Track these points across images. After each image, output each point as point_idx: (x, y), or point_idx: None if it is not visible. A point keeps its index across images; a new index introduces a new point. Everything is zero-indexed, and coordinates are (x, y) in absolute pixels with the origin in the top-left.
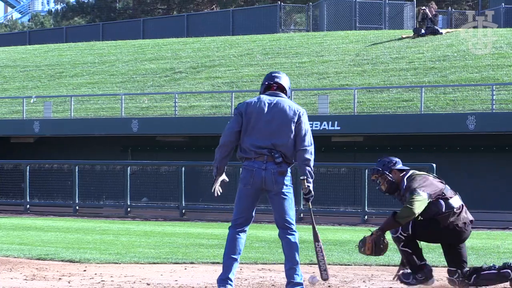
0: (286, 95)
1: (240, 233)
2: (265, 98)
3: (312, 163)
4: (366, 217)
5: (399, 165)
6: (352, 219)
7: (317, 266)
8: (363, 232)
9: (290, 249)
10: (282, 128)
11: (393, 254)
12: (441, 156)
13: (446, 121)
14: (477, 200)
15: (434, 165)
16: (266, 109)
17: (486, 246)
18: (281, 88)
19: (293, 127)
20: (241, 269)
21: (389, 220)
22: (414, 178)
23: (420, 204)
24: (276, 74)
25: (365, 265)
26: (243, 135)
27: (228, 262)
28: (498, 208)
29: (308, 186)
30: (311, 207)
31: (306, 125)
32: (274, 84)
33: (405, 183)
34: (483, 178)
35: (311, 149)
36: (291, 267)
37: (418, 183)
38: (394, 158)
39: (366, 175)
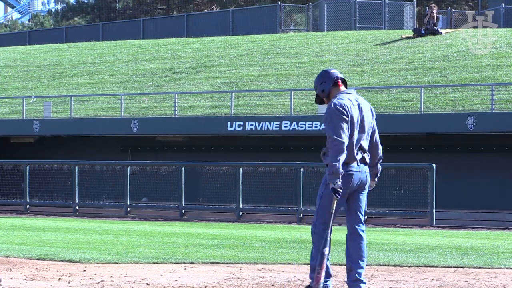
0: None
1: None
2: (352, 98)
3: None
4: (366, 217)
5: None
6: None
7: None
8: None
9: (362, 247)
10: (368, 129)
11: (393, 254)
12: (441, 156)
13: (446, 121)
14: (477, 200)
15: (434, 165)
16: (358, 111)
17: (486, 246)
18: (345, 82)
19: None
20: (241, 269)
21: None
22: None
23: None
24: (335, 71)
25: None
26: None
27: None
28: (498, 208)
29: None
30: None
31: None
32: (340, 80)
33: None
34: (483, 178)
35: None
36: (360, 266)
37: None
38: None
39: None
